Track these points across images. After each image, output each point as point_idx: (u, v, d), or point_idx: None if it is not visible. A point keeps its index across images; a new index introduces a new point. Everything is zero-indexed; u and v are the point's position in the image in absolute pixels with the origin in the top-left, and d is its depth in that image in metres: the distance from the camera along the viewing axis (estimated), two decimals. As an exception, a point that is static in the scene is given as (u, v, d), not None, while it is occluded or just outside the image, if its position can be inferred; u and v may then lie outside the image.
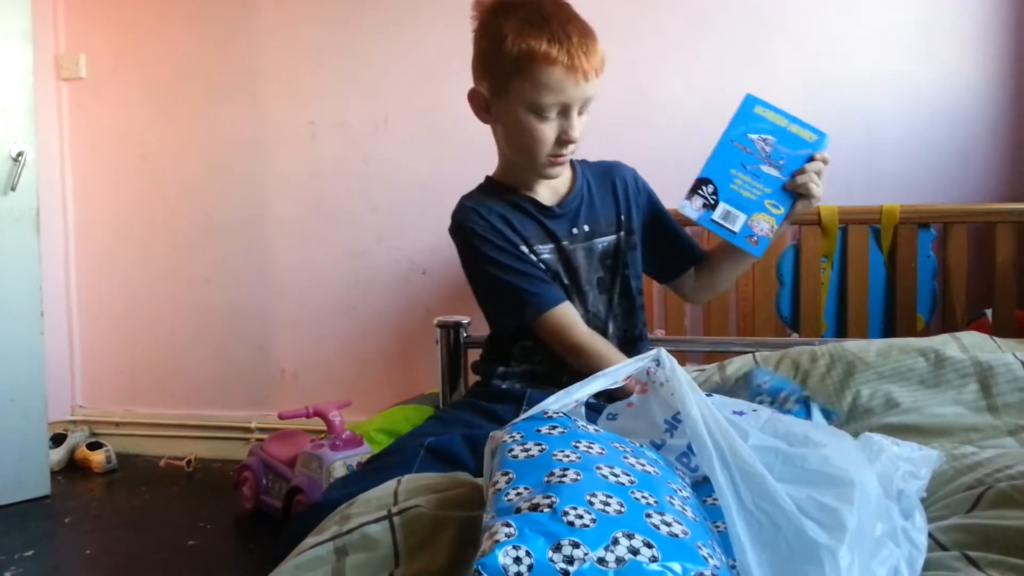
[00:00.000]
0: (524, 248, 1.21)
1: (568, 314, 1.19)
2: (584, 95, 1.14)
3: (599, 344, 1.19)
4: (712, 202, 1.14)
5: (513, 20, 1.13)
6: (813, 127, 1.15)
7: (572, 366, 1.18)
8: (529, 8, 1.14)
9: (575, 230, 1.24)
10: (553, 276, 1.22)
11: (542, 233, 1.23)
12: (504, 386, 1.24)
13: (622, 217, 1.28)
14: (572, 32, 1.12)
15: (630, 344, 1.28)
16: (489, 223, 1.21)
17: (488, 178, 1.30)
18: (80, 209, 3.04)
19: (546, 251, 1.23)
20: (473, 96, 1.22)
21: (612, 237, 1.26)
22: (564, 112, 1.14)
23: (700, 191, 1.14)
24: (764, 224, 1.14)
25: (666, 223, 1.34)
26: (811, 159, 1.14)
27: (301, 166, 2.82)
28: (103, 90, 2.98)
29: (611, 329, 1.27)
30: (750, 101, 1.16)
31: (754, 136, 1.15)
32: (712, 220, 1.14)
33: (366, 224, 2.78)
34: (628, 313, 1.29)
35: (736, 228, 1.14)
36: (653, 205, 1.33)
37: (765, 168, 1.14)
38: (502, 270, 1.20)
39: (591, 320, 1.24)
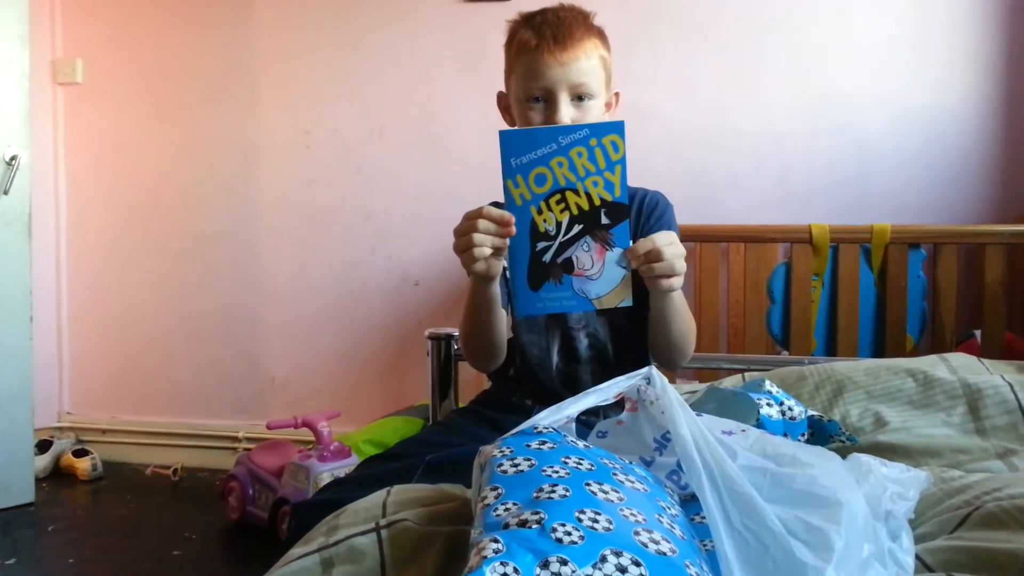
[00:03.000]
0: None
1: None
2: (567, 79, 1.12)
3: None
4: None
5: (521, 24, 1.18)
6: None
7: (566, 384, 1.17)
8: (540, 12, 1.18)
9: None
10: None
11: None
12: (514, 398, 1.22)
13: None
14: (557, 22, 1.14)
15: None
16: None
17: None
18: (72, 214, 3.03)
19: None
20: (498, 100, 1.25)
21: None
22: (550, 98, 1.13)
23: None
24: None
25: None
26: None
27: (295, 174, 2.82)
28: (99, 95, 2.98)
29: (611, 352, 1.22)
30: None
31: None
32: None
33: (359, 234, 2.77)
34: (632, 341, 1.22)
35: None
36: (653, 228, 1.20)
37: None
38: None
39: (590, 340, 1.21)
